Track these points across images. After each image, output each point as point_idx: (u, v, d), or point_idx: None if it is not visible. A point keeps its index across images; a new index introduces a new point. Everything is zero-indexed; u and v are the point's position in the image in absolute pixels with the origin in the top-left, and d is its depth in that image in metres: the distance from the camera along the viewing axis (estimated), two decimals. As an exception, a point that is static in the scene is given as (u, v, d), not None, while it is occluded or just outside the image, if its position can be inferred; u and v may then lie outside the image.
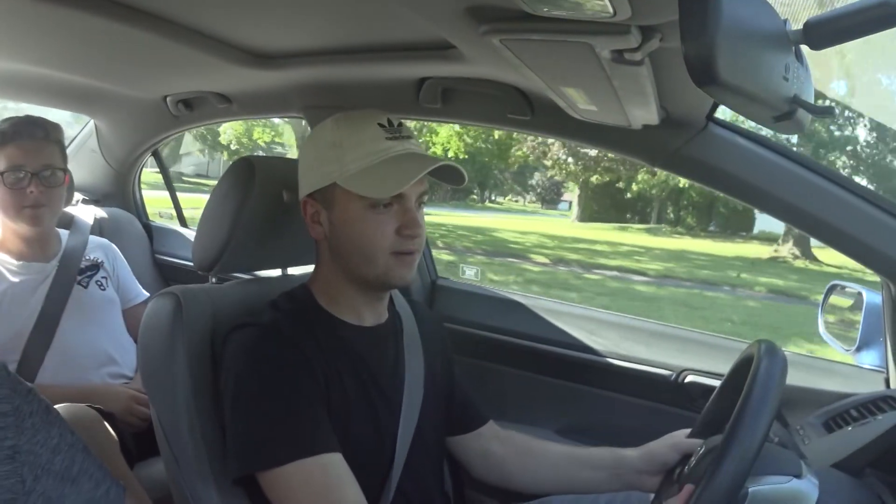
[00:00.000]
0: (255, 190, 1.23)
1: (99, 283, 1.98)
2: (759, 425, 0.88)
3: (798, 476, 0.96)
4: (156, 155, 2.72)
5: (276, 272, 1.41)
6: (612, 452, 1.32)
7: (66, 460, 0.93)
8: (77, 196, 2.56)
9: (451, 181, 1.17)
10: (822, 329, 1.72)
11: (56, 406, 1.03)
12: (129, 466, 1.58)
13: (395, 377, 1.23)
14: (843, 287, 1.70)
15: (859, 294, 1.58)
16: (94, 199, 2.66)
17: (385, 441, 1.18)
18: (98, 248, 2.07)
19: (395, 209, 1.11)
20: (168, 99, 2.11)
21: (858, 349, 1.54)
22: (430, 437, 1.29)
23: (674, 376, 1.68)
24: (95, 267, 2.00)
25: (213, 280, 1.32)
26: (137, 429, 1.76)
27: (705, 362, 1.67)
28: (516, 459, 1.38)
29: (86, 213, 2.26)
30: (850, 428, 1.30)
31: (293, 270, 1.43)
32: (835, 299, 1.73)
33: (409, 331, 1.30)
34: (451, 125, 15.40)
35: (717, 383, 1.30)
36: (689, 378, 1.66)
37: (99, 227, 2.38)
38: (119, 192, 2.72)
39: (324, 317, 1.18)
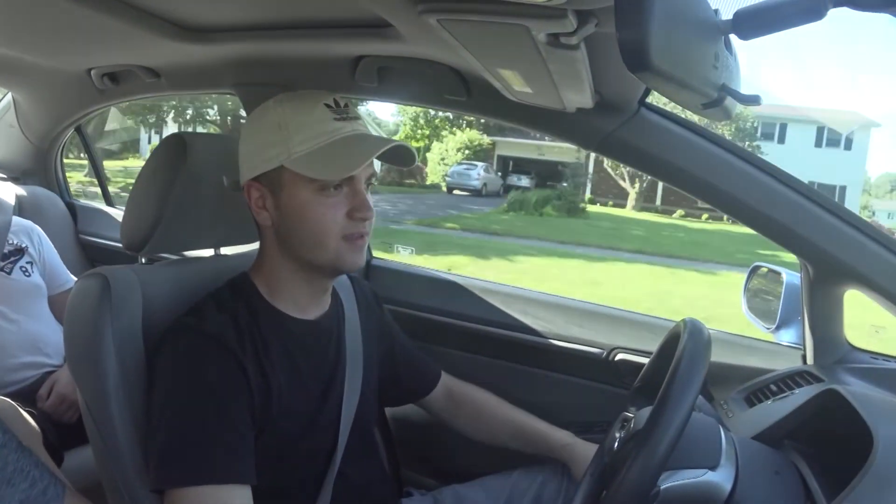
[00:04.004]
0: (187, 167, 1.20)
1: (24, 268, 1.88)
2: (671, 432, 0.90)
3: (714, 467, 1.00)
4: (79, 131, 2.61)
5: (209, 252, 1.38)
6: (562, 440, 1.44)
7: None
8: None
9: (400, 162, 1.15)
10: (744, 308, 1.79)
11: None
12: (55, 458, 1.53)
13: (337, 368, 1.22)
14: (765, 268, 1.77)
15: (780, 275, 1.65)
16: (13, 176, 2.54)
17: (327, 431, 1.18)
18: (22, 230, 1.96)
19: (345, 192, 1.09)
20: (93, 72, 2.02)
21: (778, 327, 1.61)
22: (370, 421, 1.31)
23: (605, 354, 1.73)
24: (20, 252, 1.90)
25: (143, 260, 1.28)
26: (68, 419, 1.70)
27: (634, 340, 1.71)
28: (472, 420, 1.51)
29: (6, 192, 2.16)
30: (769, 402, 1.36)
31: (226, 250, 1.40)
32: (757, 280, 1.80)
33: (350, 316, 1.29)
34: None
35: (645, 360, 1.34)
36: (620, 356, 1.70)
37: (18, 206, 2.27)
38: (40, 169, 2.60)
39: (268, 312, 1.15)
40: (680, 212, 23.26)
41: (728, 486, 1.00)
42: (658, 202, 24.48)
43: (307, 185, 1.07)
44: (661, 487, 0.98)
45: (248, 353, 1.07)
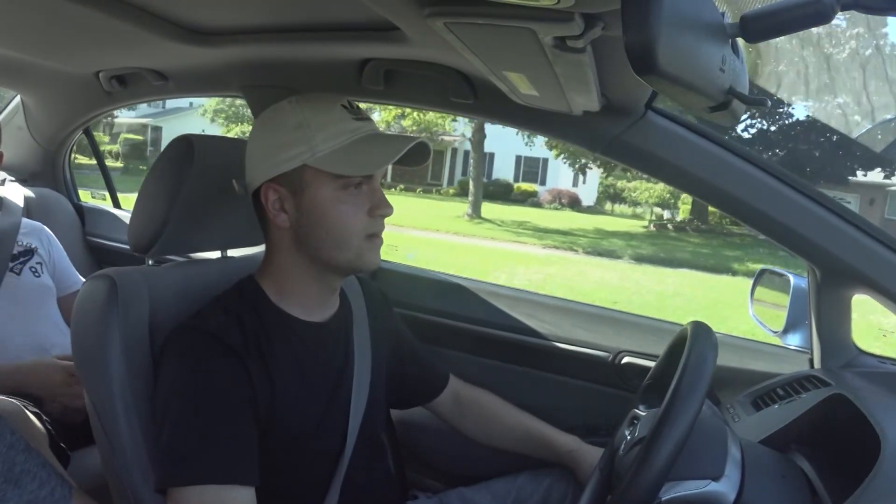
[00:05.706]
0: (195, 169, 1.20)
1: (33, 269, 1.89)
2: (674, 443, 0.90)
3: (717, 478, 0.99)
4: (87, 133, 2.63)
5: (215, 254, 1.39)
6: (568, 445, 1.45)
7: (5, 462, 0.89)
8: (1, 175, 2.45)
9: (412, 161, 1.16)
10: (751, 312, 1.78)
11: None
12: (61, 459, 1.53)
13: (344, 371, 1.22)
14: (772, 272, 1.77)
15: (787, 279, 1.64)
16: (21, 178, 2.55)
17: (334, 434, 1.18)
18: (32, 232, 1.96)
19: (364, 190, 1.10)
20: (101, 74, 2.03)
21: (785, 331, 1.60)
22: (378, 423, 1.30)
23: (611, 357, 1.72)
24: (29, 252, 1.90)
25: (150, 262, 1.29)
26: (73, 419, 1.70)
27: (641, 344, 1.71)
28: (478, 423, 1.52)
29: (15, 194, 2.17)
30: (776, 406, 1.36)
31: (233, 252, 1.40)
32: (763, 284, 1.79)
33: (359, 317, 1.29)
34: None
35: (651, 364, 1.34)
36: (626, 359, 1.70)
37: (26, 208, 2.28)
38: (48, 171, 2.61)
39: (275, 314, 1.15)
40: (401, 186, 27.48)
41: (732, 496, 0.99)
42: (388, 178, 28.25)
43: (330, 182, 1.08)
44: (663, 499, 0.97)
45: (252, 354, 1.07)
